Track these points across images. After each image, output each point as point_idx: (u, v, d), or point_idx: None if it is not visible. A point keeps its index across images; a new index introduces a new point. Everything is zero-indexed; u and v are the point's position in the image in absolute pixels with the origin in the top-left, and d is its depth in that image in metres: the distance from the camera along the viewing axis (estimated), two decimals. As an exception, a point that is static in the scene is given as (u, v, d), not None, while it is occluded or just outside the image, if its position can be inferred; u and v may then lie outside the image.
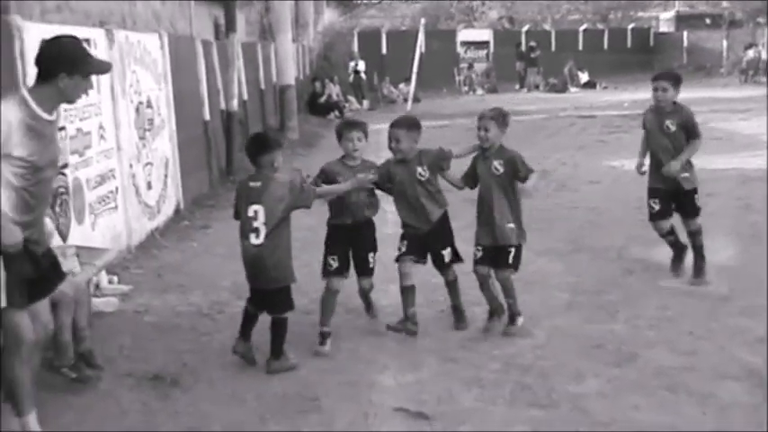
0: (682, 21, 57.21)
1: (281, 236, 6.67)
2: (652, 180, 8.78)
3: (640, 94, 30.27)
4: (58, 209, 8.33)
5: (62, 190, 8.47)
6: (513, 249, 7.37)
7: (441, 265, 7.55)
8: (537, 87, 41.97)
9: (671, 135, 8.54)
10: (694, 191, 8.63)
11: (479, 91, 41.36)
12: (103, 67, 6.04)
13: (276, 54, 24.55)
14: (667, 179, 8.50)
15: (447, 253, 7.50)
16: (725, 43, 49.72)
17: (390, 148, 7.43)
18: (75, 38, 5.78)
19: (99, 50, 9.78)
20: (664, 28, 58.40)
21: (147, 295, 8.91)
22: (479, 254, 7.42)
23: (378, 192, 7.54)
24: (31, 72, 7.78)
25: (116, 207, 10.13)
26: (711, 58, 49.52)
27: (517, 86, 42.69)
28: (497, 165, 7.30)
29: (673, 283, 8.65)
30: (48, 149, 5.38)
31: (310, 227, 8.63)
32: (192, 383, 6.61)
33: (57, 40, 5.61)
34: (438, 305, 7.95)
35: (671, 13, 59.70)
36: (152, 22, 14.38)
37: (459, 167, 7.62)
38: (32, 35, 8.01)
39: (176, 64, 13.07)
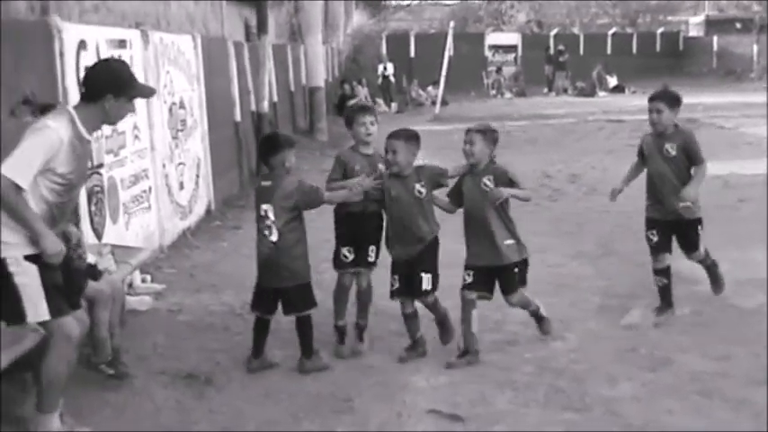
0: (711, 25, 57.00)
1: (293, 234, 6.64)
2: (649, 210, 7.97)
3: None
4: (93, 207, 8.40)
5: (97, 189, 8.54)
6: (517, 268, 6.96)
7: (417, 292, 6.91)
8: (565, 91, 41.84)
9: (671, 160, 7.70)
10: (698, 221, 7.86)
11: (507, 94, 41.31)
12: (147, 92, 6.11)
13: (306, 56, 24.64)
14: (666, 210, 7.76)
15: (427, 278, 6.87)
16: (755, 48, 49.42)
17: (386, 161, 6.95)
18: (123, 62, 5.90)
19: (134, 51, 9.86)
20: (693, 32, 58.22)
21: (179, 294, 8.97)
22: (469, 278, 6.90)
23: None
24: (70, 71, 7.95)
25: (149, 207, 10.19)
26: (742, 63, 49.28)
27: (545, 90, 42.60)
28: (486, 181, 6.81)
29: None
30: (83, 168, 5.50)
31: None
32: (225, 382, 6.63)
33: (106, 62, 5.73)
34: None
35: (701, 18, 59.50)
36: (185, 23, 14.44)
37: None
38: (71, 35, 8.11)
39: (209, 65, 13.15)
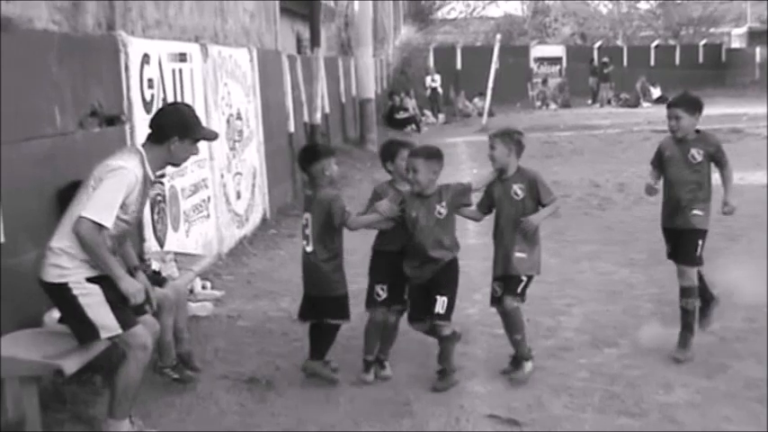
0: (754, 37, 56.45)
1: (326, 246, 6.55)
2: (664, 219, 7.35)
3: (712, 110, 29.85)
4: (155, 216, 8.48)
5: (159, 198, 8.61)
6: (523, 279, 6.58)
7: (431, 314, 6.44)
8: (609, 102, 41.63)
9: (695, 166, 7.09)
10: (699, 234, 7.13)
11: (553, 106, 41.09)
12: (211, 135, 6.22)
13: (356, 68, 24.70)
14: (679, 217, 7.12)
15: (441, 301, 6.39)
16: (798, 59, 48.92)
17: (407, 180, 6.55)
18: (189, 106, 6.03)
19: (194, 64, 9.94)
20: (736, 44, 57.75)
21: (238, 301, 9.02)
22: (498, 291, 6.66)
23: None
24: (134, 84, 8.03)
25: (208, 215, 10.26)
26: (785, 74, 48.71)
27: (590, 101, 42.40)
28: (517, 189, 6.53)
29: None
30: (144, 205, 5.64)
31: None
32: (285, 386, 6.65)
33: (173, 105, 5.87)
34: (524, 314, 7.88)
35: (743, 29, 58.98)
36: (241, 37, 14.52)
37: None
38: (135, 49, 8.20)
39: (264, 78, 13.21)
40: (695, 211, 7.05)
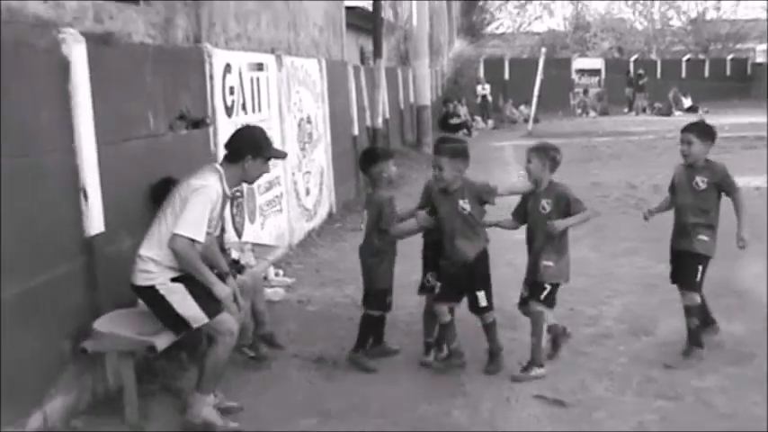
0: (776, 52, 55.80)
1: (375, 242, 6.54)
2: (672, 240, 7.01)
3: (739, 119, 29.51)
4: (234, 210, 8.55)
5: (238, 194, 8.68)
6: (547, 287, 6.43)
7: (476, 309, 6.47)
8: (644, 111, 41.16)
9: (699, 193, 6.65)
10: (701, 259, 6.72)
11: (592, 113, 40.81)
12: (281, 155, 6.30)
13: (414, 78, 24.70)
14: (684, 240, 6.78)
15: (481, 295, 6.40)
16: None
17: (433, 176, 6.44)
18: (261, 128, 6.06)
19: (270, 73, 10.01)
20: (760, 58, 56.96)
21: (307, 288, 9.07)
22: (525, 294, 6.61)
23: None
24: (217, 91, 8.10)
25: (280, 210, 10.33)
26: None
27: (626, 110, 41.98)
28: (545, 203, 6.36)
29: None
30: (222, 219, 5.63)
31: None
32: (350, 366, 6.67)
33: (247, 127, 5.92)
34: (568, 303, 7.84)
35: (765, 46, 58.14)
36: (311, 48, 14.57)
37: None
38: (219, 60, 8.27)
39: (332, 85, 13.26)
40: (700, 236, 6.67)
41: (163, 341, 5.45)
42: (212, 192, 5.39)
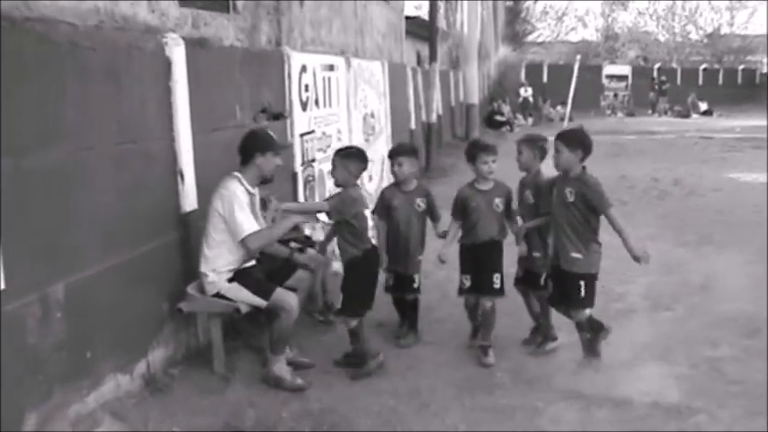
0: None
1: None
2: (552, 255, 5.87)
3: (749, 122, 29.02)
4: (307, 192, 8.58)
5: (310, 178, 8.71)
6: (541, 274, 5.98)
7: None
8: (666, 113, 40.87)
9: (568, 206, 5.56)
10: (579, 277, 5.61)
11: (620, 114, 40.55)
12: (285, 146, 6.44)
13: (464, 79, 24.60)
14: (560, 257, 5.67)
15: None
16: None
17: (392, 173, 6.33)
18: (263, 129, 6.11)
19: (340, 73, 10.01)
20: (766, 69, 56.12)
21: (369, 261, 9.03)
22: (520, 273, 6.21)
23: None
24: (294, 88, 8.12)
25: (347, 193, 10.32)
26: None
27: (649, 112, 41.65)
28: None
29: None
30: (257, 215, 5.71)
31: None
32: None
33: (251, 131, 5.92)
34: (599, 282, 7.72)
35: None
36: (375, 52, 14.57)
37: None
38: (296, 61, 8.28)
39: (392, 85, 13.22)
40: (572, 254, 5.59)
41: (245, 305, 5.52)
42: (238, 193, 5.46)
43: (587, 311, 5.75)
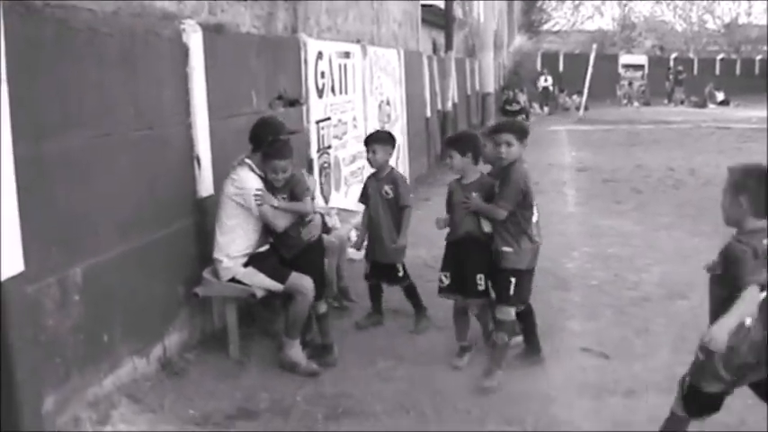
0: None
1: None
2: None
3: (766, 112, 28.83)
4: (323, 179, 8.60)
5: (326, 165, 8.73)
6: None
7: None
8: (682, 103, 40.56)
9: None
10: (512, 273, 5.31)
11: (636, 104, 40.20)
12: (295, 131, 6.43)
13: (480, 68, 24.54)
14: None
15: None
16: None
17: (368, 159, 6.35)
18: (270, 115, 6.20)
19: (356, 61, 10.01)
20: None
21: (385, 248, 9.05)
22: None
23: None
24: (311, 75, 8.13)
25: (362, 180, 10.32)
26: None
27: (666, 101, 41.31)
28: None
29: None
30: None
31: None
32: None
33: (263, 119, 5.94)
34: (612, 270, 7.77)
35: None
36: (391, 40, 14.53)
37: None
38: (312, 48, 8.29)
39: (408, 73, 13.19)
40: (506, 249, 5.33)
41: (261, 291, 5.54)
42: (244, 179, 5.50)
43: (512, 311, 5.39)
